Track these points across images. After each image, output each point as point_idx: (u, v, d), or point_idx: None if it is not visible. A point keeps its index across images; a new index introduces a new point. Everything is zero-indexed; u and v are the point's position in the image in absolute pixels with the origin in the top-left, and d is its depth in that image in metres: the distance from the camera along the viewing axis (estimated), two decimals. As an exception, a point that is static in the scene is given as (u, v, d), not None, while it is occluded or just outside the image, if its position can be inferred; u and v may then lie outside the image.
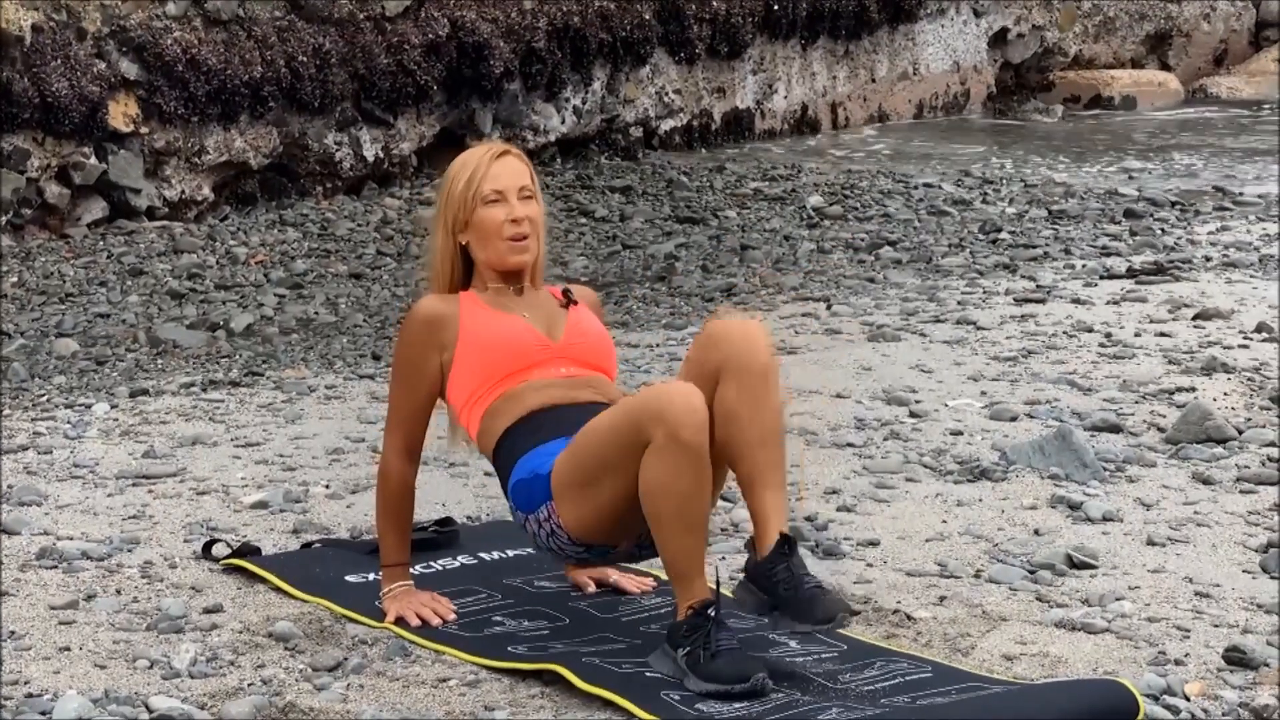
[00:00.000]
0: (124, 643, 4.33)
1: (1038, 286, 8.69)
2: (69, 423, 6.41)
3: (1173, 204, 11.30)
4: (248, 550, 4.93)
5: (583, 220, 10.78)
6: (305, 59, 10.98)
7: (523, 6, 12.14)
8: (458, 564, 4.86)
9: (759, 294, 8.78)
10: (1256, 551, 4.99)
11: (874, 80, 15.04)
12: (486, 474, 5.45)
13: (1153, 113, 16.18)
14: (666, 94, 13.32)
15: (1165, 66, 17.27)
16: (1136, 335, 7.57)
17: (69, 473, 5.78)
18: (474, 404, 4.42)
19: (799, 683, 4.00)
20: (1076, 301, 8.30)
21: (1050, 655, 4.25)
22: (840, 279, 9.13)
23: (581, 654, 4.17)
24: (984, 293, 8.58)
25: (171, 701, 3.98)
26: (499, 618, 4.44)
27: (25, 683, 4.09)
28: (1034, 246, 9.92)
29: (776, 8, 13.90)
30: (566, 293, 4.54)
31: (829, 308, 8.33)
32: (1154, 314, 7.98)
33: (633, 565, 4.64)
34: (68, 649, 4.30)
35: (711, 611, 4.02)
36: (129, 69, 10.28)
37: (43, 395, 6.97)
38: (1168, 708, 3.95)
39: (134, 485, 5.65)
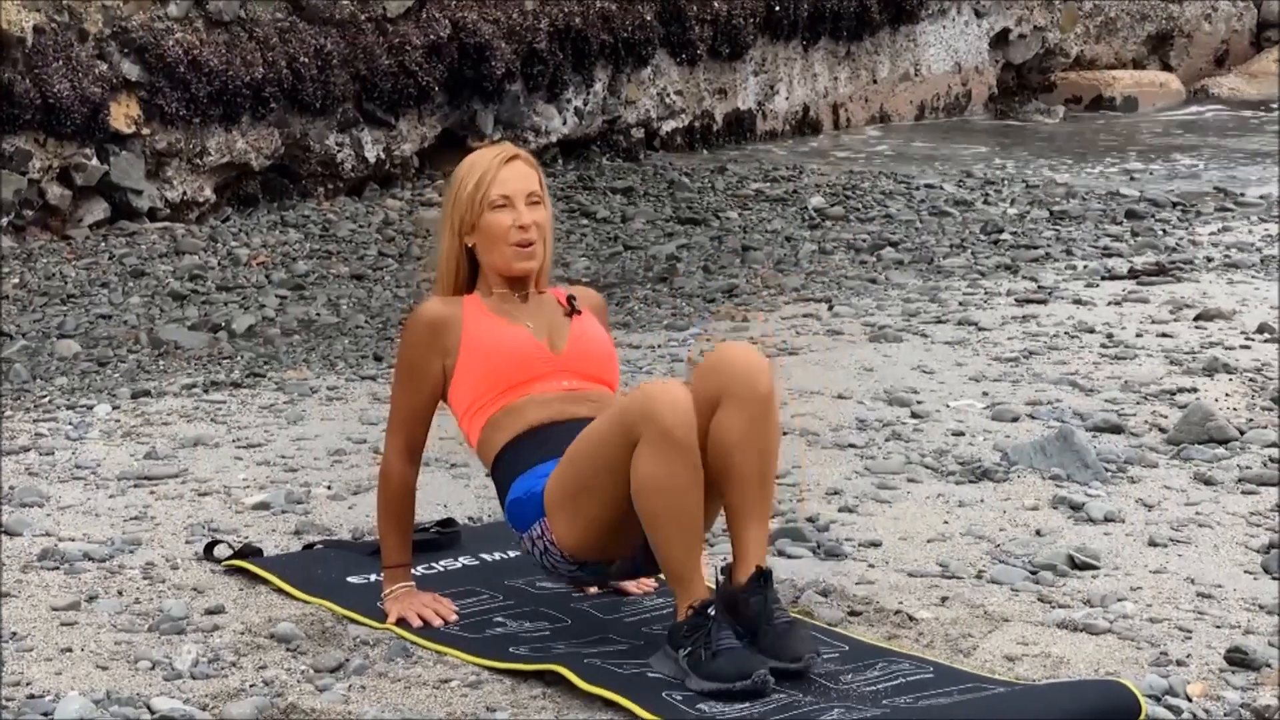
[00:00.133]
0: (126, 644, 4.34)
1: (1039, 287, 8.69)
2: (71, 424, 6.41)
3: (1174, 205, 11.30)
4: (249, 551, 4.93)
5: (584, 221, 10.78)
6: (307, 60, 10.98)
7: (524, 7, 12.14)
8: (459, 565, 4.86)
9: (760, 295, 8.78)
10: (1258, 552, 4.99)
11: (875, 81, 15.04)
12: (488, 474, 5.44)
13: (1156, 113, 16.17)
14: (668, 95, 13.32)
15: (1166, 67, 17.26)
16: (1138, 336, 7.57)
17: (71, 474, 5.79)
18: (475, 413, 4.42)
19: (800, 683, 4.00)
20: (1078, 302, 8.30)
21: (1052, 656, 4.25)
22: (842, 280, 9.13)
23: (583, 655, 4.17)
24: (985, 293, 8.58)
25: (173, 703, 3.98)
26: (501, 619, 4.45)
27: (27, 684, 4.10)
28: (1035, 247, 9.92)
29: (778, 9, 13.90)
30: (571, 300, 4.54)
31: (831, 308, 8.33)
32: (1156, 315, 7.98)
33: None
34: (69, 650, 4.30)
35: (712, 611, 4.03)
36: (130, 70, 10.28)
37: (44, 396, 6.97)
38: (1170, 708, 3.95)
39: (136, 486, 5.65)
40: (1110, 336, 7.55)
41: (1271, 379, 6.77)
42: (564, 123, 12.54)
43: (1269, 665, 4.17)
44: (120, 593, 4.69)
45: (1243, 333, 7.59)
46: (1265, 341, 7.41)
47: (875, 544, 5.05)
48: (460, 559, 4.90)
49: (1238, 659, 4.20)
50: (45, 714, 3.93)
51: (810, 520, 5.21)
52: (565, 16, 12.38)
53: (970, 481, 5.62)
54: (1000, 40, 16.05)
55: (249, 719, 3.92)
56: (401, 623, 4.41)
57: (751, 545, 4.12)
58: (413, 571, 4.57)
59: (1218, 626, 4.44)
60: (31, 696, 4.02)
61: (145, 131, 10.34)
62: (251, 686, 4.09)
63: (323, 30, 11.19)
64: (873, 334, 7.68)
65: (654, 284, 9.18)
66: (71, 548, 5.00)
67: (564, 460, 4.22)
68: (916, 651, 4.26)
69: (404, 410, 4.49)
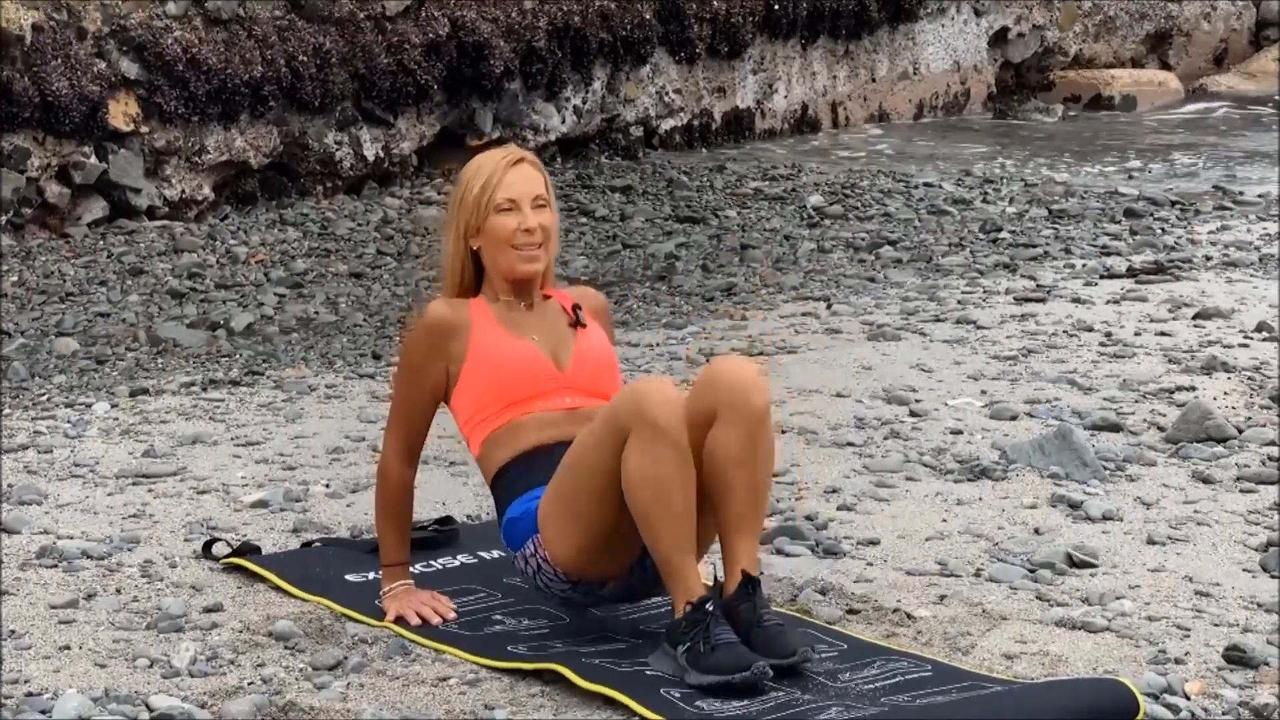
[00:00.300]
0: (124, 642, 4.34)
1: (1038, 286, 8.69)
2: (69, 422, 6.41)
3: (1173, 203, 11.30)
4: (248, 549, 4.93)
5: (583, 220, 10.78)
6: (305, 58, 10.98)
7: (523, 6, 12.14)
8: (458, 563, 4.86)
9: (759, 293, 8.78)
10: (1256, 550, 4.99)
11: (874, 80, 15.03)
12: (487, 485, 5.44)
13: (1163, 112, 16.16)
14: (667, 93, 13.32)
15: (1165, 66, 17.26)
16: (1137, 334, 7.57)
17: (69, 472, 5.79)
18: (477, 425, 4.43)
19: (798, 681, 4.00)
20: (1077, 301, 8.30)
21: (1050, 654, 4.25)
22: (840, 278, 9.13)
23: (581, 653, 4.17)
24: (984, 292, 8.58)
25: (172, 700, 3.98)
26: (499, 617, 4.45)
27: (25, 681, 4.10)
28: (1034, 246, 9.92)
29: (777, 7, 13.90)
30: (576, 309, 4.54)
31: (829, 307, 8.33)
32: (1154, 313, 7.98)
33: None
34: (68, 648, 4.30)
35: (710, 606, 4.03)
36: (129, 68, 10.28)
37: (43, 394, 6.97)
38: (1168, 706, 3.95)
39: (134, 484, 5.65)
40: (1109, 335, 7.55)
41: (1270, 378, 6.77)
42: (563, 121, 12.54)
43: (1267, 663, 4.17)
44: (119, 590, 4.69)
45: (1241, 331, 7.59)
46: (1264, 340, 7.42)
47: (874, 542, 5.05)
48: (459, 557, 4.90)
49: (1236, 657, 4.20)
50: (43, 712, 3.93)
51: (809, 518, 5.21)
52: (564, 15, 12.38)
53: (969, 480, 5.62)
54: (999, 39, 16.05)
55: (247, 717, 3.92)
56: (400, 621, 4.41)
57: (741, 555, 4.14)
58: (411, 569, 4.57)
59: (1216, 625, 4.44)
60: (30, 694, 4.02)
61: (144, 130, 10.33)
62: (250, 684, 4.09)
63: (321, 28, 11.19)
64: (871, 332, 7.68)
65: (653, 282, 9.18)
66: (70, 546, 5.00)
67: (557, 471, 4.23)
68: (915, 650, 4.26)
69: (404, 409, 4.49)
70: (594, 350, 4.49)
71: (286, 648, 4.31)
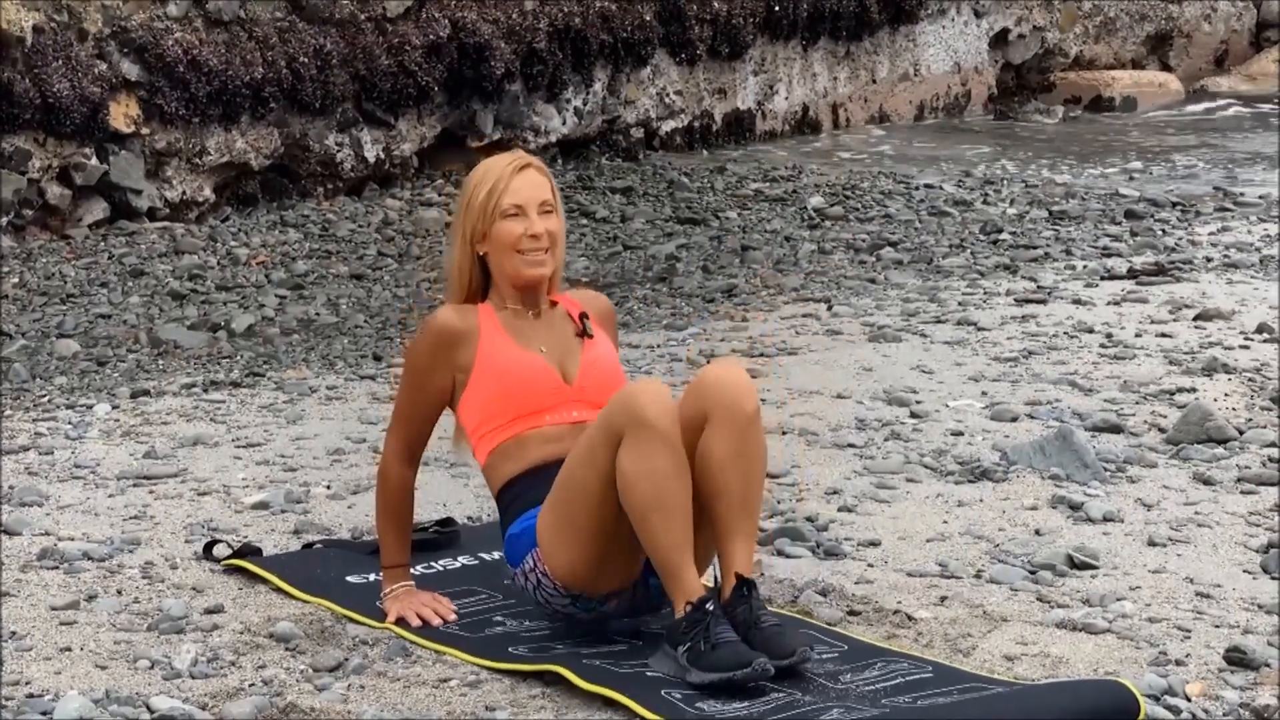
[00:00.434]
0: (125, 643, 4.34)
1: (1039, 287, 8.69)
2: (70, 423, 6.41)
3: (1173, 205, 11.30)
4: (249, 551, 4.93)
5: (584, 221, 10.78)
6: (306, 60, 10.98)
7: (524, 7, 12.14)
8: (458, 564, 4.86)
9: (760, 295, 8.78)
10: (1257, 552, 4.99)
11: (875, 81, 15.04)
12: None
13: (1169, 113, 16.16)
14: (667, 95, 13.32)
15: (1166, 67, 17.26)
16: (1137, 336, 7.57)
17: (70, 473, 5.79)
18: (484, 436, 4.43)
19: (799, 683, 4.00)
20: (1077, 302, 8.30)
21: (1051, 656, 4.25)
22: (841, 280, 9.13)
23: (582, 655, 4.17)
24: (985, 293, 8.58)
25: (173, 702, 3.98)
26: (500, 618, 4.45)
27: (26, 683, 4.10)
28: (1035, 247, 9.92)
29: (777, 9, 13.90)
30: (584, 318, 4.54)
31: (830, 308, 8.33)
32: (1155, 314, 7.98)
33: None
34: (69, 649, 4.30)
35: (709, 606, 4.04)
36: (130, 70, 10.28)
37: (44, 396, 6.97)
38: (1169, 708, 3.95)
39: (135, 486, 5.66)
40: (1109, 336, 7.55)
41: (1270, 379, 6.77)
42: (563, 123, 12.54)
43: (1268, 665, 4.17)
44: (119, 592, 4.70)
45: (1242, 333, 7.59)
46: (1264, 341, 7.42)
47: (874, 543, 5.05)
48: (459, 558, 4.90)
49: (1237, 658, 4.20)
50: (44, 713, 3.93)
51: (809, 520, 5.22)
52: (565, 16, 12.38)
53: (969, 481, 5.63)
54: (999, 40, 16.05)
55: (248, 718, 3.92)
56: (401, 622, 4.42)
57: (736, 558, 4.15)
58: (412, 571, 4.57)
59: (1217, 626, 4.44)
60: (31, 696, 4.02)
61: (145, 131, 10.34)
62: (250, 686, 4.09)
63: (322, 30, 11.19)
64: (872, 334, 7.68)
65: (653, 284, 9.18)
66: (71, 547, 5.00)
67: (555, 481, 4.24)
68: (915, 651, 4.26)
69: (407, 412, 4.50)
70: (601, 362, 4.50)
71: (287, 649, 4.31)
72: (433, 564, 4.83)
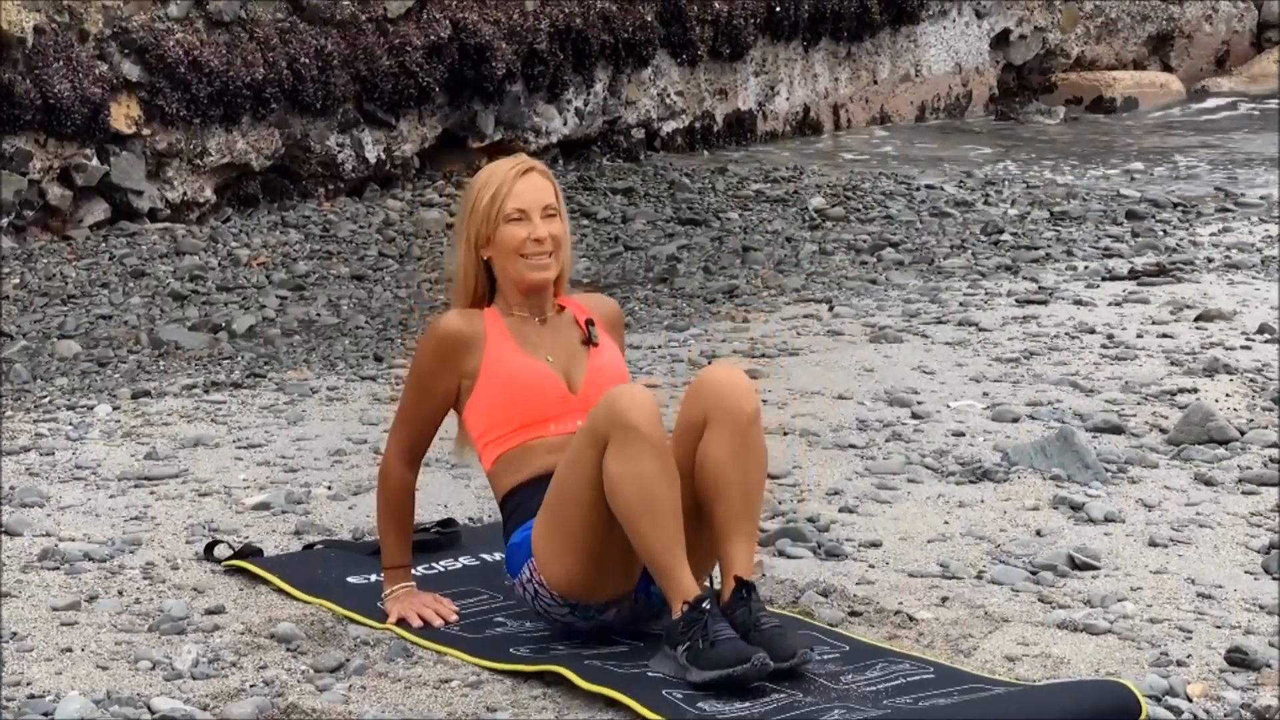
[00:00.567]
0: (126, 644, 4.34)
1: (1040, 288, 8.69)
2: (71, 424, 6.41)
3: (1175, 205, 11.29)
4: (250, 551, 4.94)
5: (585, 222, 10.77)
6: (307, 60, 10.98)
7: (525, 8, 12.14)
8: (460, 565, 4.86)
9: (761, 295, 8.78)
10: (1258, 553, 4.99)
11: (876, 82, 15.03)
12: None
13: (1174, 112, 16.14)
14: (668, 95, 13.32)
15: (1167, 68, 17.25)
16: (1138, 336, 7.57)
17: (71, 474, 5.79)
18: (489, 443, 4.44)
19: (800, 683, 4.00)
20: (1078, 303, 8.30)
21: (1052, 656, 4.25)
22: (842, 280, 9.13)
23: (583, 655, 4.18)
24: (986, 294, 8.58)
25: (173, 703, 3.98)
26: (501, 619, 4.45)
27: (27, 684, 4.10)
28: (1036, 248, 9.92)
29: (778, 9, 13.89)
30: (590, 326, 4.53)
31: (831, 309, 8.33)
32: (1156, 315, 7.98)
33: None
34: (70, 650, 4.30)
35: (706, 605, 4.04)
36: (131, 71, 10.28)
37: (45, 397, 6.97)
38: (1170, 709, 3.95)
39: (136, 486, 5.66)
40: (1111, 337, 7.55)
41: (1272, 379, 6.77)
42: (564, 123, 12.53)
43: (1269, 665, 4.17)
44: (120, 593, 4.70)
45: (1243, 333, 7.59)
46: (1265, 342, 7.42)
47: (876, 544, 5.05)
48: (460, 559, 4.90)
49: (1238, 659, 4.20)
50: (46, 714, 3.93)
51: (810, 520, 5.22)
52: (566, 17, 12.38)
53: (970, 482, 5.62)
54: (1001, 41, 16.05)
55: (249, 719, 3.92)
56: (402, 623, 4.42)
57: (735, 560, 4.15)
58: (413, 572, 4.57)
59: (1218, 627, 4.44)
60: (32, 696, 4.02)
61: (146, 132, 10.33)
62: (252, 686, 4.09)
63: (323, 31, 11.19)
64: (873, 334, 7.68)
65: (654, 285, 9.18)
66: (72, 548, 5.00)
67: (547, 491, 4.24)
68: (917, 652, 4.26)
69: (410, 414, 4.50)
70: (606, 370, 4.49)
71: (288, 650, 4.31)
72: (434, 565, 4.83)
